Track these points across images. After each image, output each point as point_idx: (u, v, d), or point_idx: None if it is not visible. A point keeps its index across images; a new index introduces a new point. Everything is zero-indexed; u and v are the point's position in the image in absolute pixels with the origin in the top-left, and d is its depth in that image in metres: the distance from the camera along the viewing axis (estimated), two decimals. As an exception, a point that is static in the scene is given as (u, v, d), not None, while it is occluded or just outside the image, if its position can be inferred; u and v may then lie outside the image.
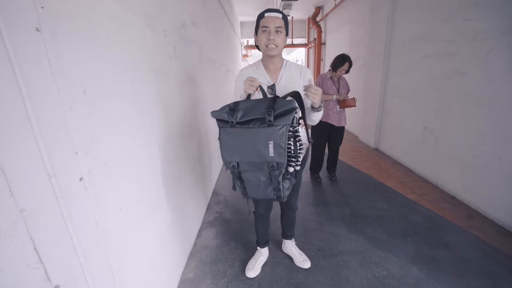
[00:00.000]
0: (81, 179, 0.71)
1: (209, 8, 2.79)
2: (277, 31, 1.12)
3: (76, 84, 0.70)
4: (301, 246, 1.74)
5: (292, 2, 5.03)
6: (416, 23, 2.97)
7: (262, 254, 1.64)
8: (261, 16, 1.15)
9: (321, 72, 7.13)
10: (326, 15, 6.45)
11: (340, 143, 2.78)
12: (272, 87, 1.19)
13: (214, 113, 1.03)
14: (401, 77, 3.33)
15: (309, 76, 1.24)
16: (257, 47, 1.25)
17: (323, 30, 7.04)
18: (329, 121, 2.59)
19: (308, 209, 2.26)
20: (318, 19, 7.12)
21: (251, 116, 0.96)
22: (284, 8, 5.23)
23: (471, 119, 2.26)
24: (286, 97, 1.05)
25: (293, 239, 1.71)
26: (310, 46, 8.17)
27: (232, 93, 1.36)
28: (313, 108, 1.18)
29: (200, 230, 2.00)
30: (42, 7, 0.60)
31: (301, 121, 1.19)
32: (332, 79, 2.59)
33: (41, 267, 0.59)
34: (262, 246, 1.64)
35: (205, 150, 2.36)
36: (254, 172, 1.04)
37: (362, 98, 4.10)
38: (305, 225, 2.03)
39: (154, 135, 1.22)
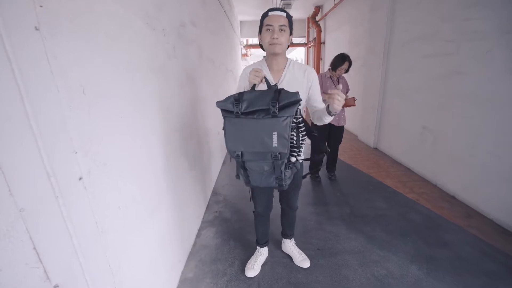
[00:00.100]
0: (80, 178, 0.71)
1: (208, 7, 2.79)
2: (281, 30, 1.13)
3: (75, 83, 0.70)
4: (300, 245, 1.75)
5: (292, 1, 5.03)
6: (415, 23, 2.97)
7: (262, 254, 1.64)
8: (265, 15, 1.15)
9: (321, 72, 7.13)
10: (326, 14, 6.45)
11: (340, 142, 2.78)
12: (273, 88, 1.18)
13: (219, 103, 1.04)
14: (401, 77, 3.34)
15: (313, 76, 1.23)
16: (261, 46, 1.25)
17: (322, 29, 7.04)
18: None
19: (307, 209, 2.27)
20: (317, 18, 7.12)
21: (255, 107, 0.98)
22: (284, 7, 5.23)
23: (470, 118, 2.27)
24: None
25: (292, 238, 1.71)
26: (309, 45, 8.17)
27: (234, 91, 1.36)
28: (329, 112, 1.13)
29: (199, 230, 2.00)
30: (41, 6, 0.59)
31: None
32: (331, 78, 2.60)
33: (40, 267, 0.59)
34: (262, 246, 1.64)
35: (205, 150, 2.36)
36: (257, 162, 1.05)
37: (361, 97, 4.10)
38: (305, 224, 2.04)
39: (153, 135, 1.22)
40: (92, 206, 0.76)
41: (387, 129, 3.71)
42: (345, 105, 2.57)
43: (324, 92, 2.58)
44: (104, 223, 0.81)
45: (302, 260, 1.62)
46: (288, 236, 1.69)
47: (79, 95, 0.71)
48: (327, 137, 2.72)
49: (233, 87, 4.74)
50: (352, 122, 4.76)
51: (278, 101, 0.95)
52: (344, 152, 3.78)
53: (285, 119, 0.95)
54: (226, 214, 2.23)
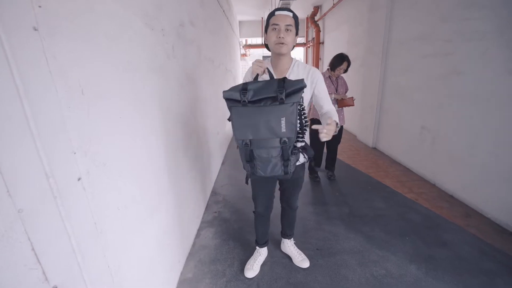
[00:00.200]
0: (79, 179, 0.71)
1: (207, 7, 2.78)
2: (287, 29, 1.13)
3: (75, 83, 0.70)
4: (300, 245, 1.75)
5: (291, 1, 5.03)
6: (414, 23, 2.98)
7: (261, 254, 1.64)
8: (271, 15, 1.16)
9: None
10: (325, 14, 6.46)
11: (339, 142, 2.79)
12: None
13: (226, 93, 1.05)
14: (399, 77, 3.34)
15: (317, 77, 1.22)
16: (266, 46, 1.25)
17: (321, 29, 7.05)
18: None
19: (306, 209, 2.27)
20: (316, 18, 7.13)
21: (262, 95, 1.00)
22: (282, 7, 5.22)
23: (469, 118, 2.27)
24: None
25: (292, 238, 1.71)
26: (308, 45, 8.18)
27: None
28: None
29: (199, 230, 2.00)
30: (40, 6, 0.59)
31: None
32: (330, 78, 2.60)
33: (39, 268, 0.58)
34: (261, 246, 1.64)
35: (204, 150, 2.35)
36: (266, 149, 1.06)
37: (360, 97, 4.11)
38: (304, 224, 2.04)
39: (153, 135, 1.22)
40: (91, 206, 0.75)
41: (386, 129, 3.72)
42: (344, 105, 2.58)
43: None
44: (103, 224, 0.81)
45: (301, 260, 1.62)
46: (287, 236, 1.69)
47: (78, 95, 0.71)
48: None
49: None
50: (351, 122, 4.77)
51: (284, 88, 0.98)
52: (343, 152, 3.79)
53: (292, 105, 0.98)
54: (226, 214, 2.22)
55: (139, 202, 1.06)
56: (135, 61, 1.06)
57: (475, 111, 2.20)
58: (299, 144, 1.10)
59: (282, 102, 0.98)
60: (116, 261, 0.88)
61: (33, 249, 0.57)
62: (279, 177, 1.16)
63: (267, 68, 1.15)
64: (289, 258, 1.68)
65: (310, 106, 1.35)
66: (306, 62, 8.70)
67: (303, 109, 1.07)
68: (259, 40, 10.20)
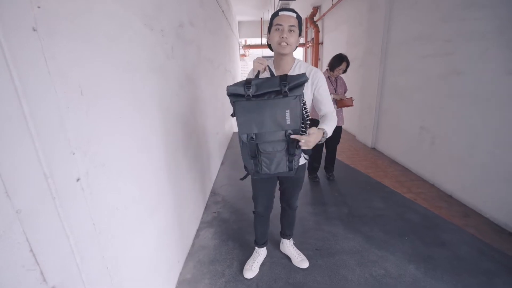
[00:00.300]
0: (78, 179, 0.71)
1: (207, 7, 2.79)
2: (291, 30, 1.13)
3: (74, 84, 0.70)
4: (299, 245, 1.75)
5: (290, 1, 5.04)
6: (413, 23, 2.99)
7: (260, 254, 1.64)
8: (275, 15, 1.16)
9: (319, 72, 7.13)
10: (324, 14, 6.47)
11: (338, 142, 2.79)
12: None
13: (230, 87, 1.06)
14: (398, 77, 3.35)
15: (319, 78, 1.21)
16: (269, 46, 1.25)
17: (320, 29, 7.06)
18: None
19: (306, 209, 2.27)
20: (315, 18, 7.14)
21: (265, 90, 1.02)
22: (281, 7, 5.23)
23: (468, 118, 2.28)
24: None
25: (291, 238, 1.71)
26: (307, 45, 8.19)
27: None
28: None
29: (198, 230, 2.00)
30: (39, 7, 0.59)
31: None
32: (329, 78, 2.60)
33: (37, 269, 0.58)
34: (261, 246, 1.64)
35: (204, 150, 2.35)
36: (271, 143, 1.07)
37: (359, 97, 4.12)
38: (303, 224, 2.04)
39: (152, 135, 1.21)
40: (89, 207, 0.75)
41: (385, 129, 3.73)
42: (343, 105, 2.59)
43: None
44: (102, 224, 0.81)
45: (300, 261, 1.62)
46: (287, 236, 1.69)
47: (77, 96, 0.71)
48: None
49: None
50: (350, 122, 4.77)
51: (287, 81, 1.00)
52: (342, 152, 3.79)
53: (295, 98, 1.01)
54: (225, 214, 2.22)
55: (138, 202, 1.06)
56: (135, 61, 1.06)
57: (474, 111, 2.21)
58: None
59: (286, 95, 1.00)
60: (115, 261, 0.88)
61: (31, 249, 0.57)
62: (283, 174, 1.17)
63: (267, 66, 1.16)
64: (288, 258, 1.68)
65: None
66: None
67: (305, 104, 1.09)
68: (258, 41, 10.20)
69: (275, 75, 1.22)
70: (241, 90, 1.03)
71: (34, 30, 0.58)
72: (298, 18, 1.16)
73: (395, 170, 3.12)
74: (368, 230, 1.96)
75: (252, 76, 1.23)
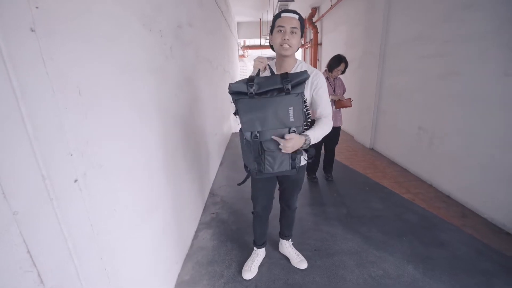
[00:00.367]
0: (76, 180, 0.70)
1: (205, 8, 2.79)
2: (293, 32, 1.14)
3: (72, 84, 0.70)
4: (297, 246, 1.75)
5: (289, 2, 5.05)
6: (411, 24, 3.01)
7: (259, 255, 1.63)
8: (277, 16, 1.17)
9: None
10: (322, 15, 6.49)
11: (336, 143, 2.79)
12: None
13: (233, 85, 1.06)
14: (397, 78, 3.37)
15: (318, 81, 1.20)
16: (271, 47, 1.26)
17: (319, 30, 7.08)
18: None
19: (304, 209, 2.27)
20: (314, 19, 7.16)
21: (267, 88, 1.03)
22: (280, 9, 5.25)
23: (465, 119, 2.29)
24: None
25: (290, 239, 1.71)
26: (306, 46, 8.20)
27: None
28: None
29: (196, 231, 2.00)
30: (37, 7, 0.59)
31: None
32: (328, 79, 2.61)
33: (34, 271, 0.58)
34: (259, 247, 1.63)
35: (203, 150, 2.35)
36: (275, 141, 1.08)
37: (358, 98, 4.13)
38: (302, 225, 2.04)
39: (151, 136, 1.21)
40: (87, 208, 0.75)
41: (384, 130, 3.74)
42: (341, 106, 2.59)
43: None
44: (100, 226, 0.81)
45: (299, 261, 1.62)
46: (286, 237, 1.69)
47: (76, 97, 0.71)
48: (324, 138, 2.72)
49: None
50: (348, 123, 4.78)
51: (289, 79, 1.01)
52: (340, 153, 3.80)
53: (297, 95, 1.03)
54: (223, 215, 2.22)
55: (136, 203, 1.06)
56: (134, 62, 1.06)
57: (472, 112, 2.22)
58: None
59: (288, 92, 1.01)
60: (113, 263, 0.88)
61: (28, 251, 0.57)
62: (285, 173, 1.17)
63: (268, 65, 1.17)
64: (287, 259, 1.68)
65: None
66: (304, 63, 8.73)
67: (305, 101, 1.10)
68: (257, 41, 10.22)
69: (275, 73, 1.22)
70: (243, 88, 1.04)
71: (32, 30, 0.58)
72: (300, 19, 1.16)
73: (393, 171, 3.13)
74: (367, 230, 1.96)
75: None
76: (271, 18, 6.63)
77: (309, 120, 1.13)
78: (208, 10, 2.96)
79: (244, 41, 11.06)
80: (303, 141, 1.07)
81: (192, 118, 2.01)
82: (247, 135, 1.08)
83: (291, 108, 1.02)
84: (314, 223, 2.08)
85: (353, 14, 4.80)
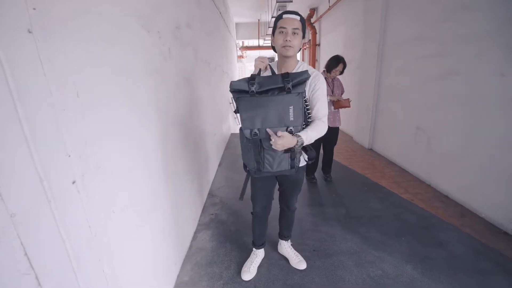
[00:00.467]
0: (73, 182, 0.70)
1: (204, 9, 2.79)
2: (294, 33, 1.15)
3: (69, 86, 0.69)
4: (296, 246, 1.75)
5: (287, 3, 5.06)
6: (408, 25, 3.02)
7: (258, 256, 1.63)
8: (279, 18, 1.17)
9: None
10: (321, 16, 6.51)
11: (335, 143, 2.80)
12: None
13: (234, 83, 1.07)
14: (395, 78, 3.38)
15: (318, 83, 1.19)
16: (273, 48, 1.27)
17: (317, 31, 7.10)
18: None
19: (303, 210, 2.27)
20: (312, 20, 7.17)
21: (268, 87, 1.04)
22: (279, 10, 5.25)
23: (462, 119, 2.30)
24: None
25: (289, 240, 1.71)
26: (305, 47, 8.22)
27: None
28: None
29: (195, 232, 1.99)
30: (34, 9, 0.59)
31: None
32: (326, 80, 2.61)
33: (32, 273, 0.58)
34: (258, 248, 1.63)
35: (201, 151, 2.35)
36: None
37: (356, 99, 4.14)
38: (301, 225, 2.04)
39: (149, 137, 1.21)
40: (85, 210, 0.75)
41: (382, 130, 3.75)
42: (340, 107, 2.60)
43: None
44: (98, 227, 0.80)
45: (298, 262, 1.62)
46: (285, 238, 1.69)
47: (73, 98, 0.71)
48: (322, 139, 2.73)
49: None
50: (347, 123, 4.79)
51: (290, 79, 1.02)
52: (339, 153, 3.81)
53: (298, 95, 1.04)
54: (222, 216, 2.22)
55: (135, 204, 1.06)
56: (132, 63, 1.05)
57: (470, 112, 2.23)
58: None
59: (289, 91, 1.02)
60: (112, 265, 0.88)
61: (26, 254, 0.56)
62: (284, 172, 1.18)
63: (269, 65, 1.19)
64: (286, 259, 1.68)
65: None
66: (303, 64, 8.74)
67: (306, 101, 1.11)
68: (256, 42, 10.24)
69: (276, 73, 1.23)
70: (245, 86, 1.05)
71: (30, 32, 0.58)
72: (302, 21, 1.17)
73: (392, 171, 3.14)
74: (366, 231, 1.96)
75: None
76: (270, 19, 6.65)
77: (309, 119, 1.14)
78: (206, 11, 2.96)
79: (243, 42, 11.07)
80: (295, 142, 1.07)
81: (191, 119, 2.00)
82: (247, 132, 1.09)
83: (292, 107, 1.03)
84: (313, 223, 2.08)
85: (351, 15, 4.82)
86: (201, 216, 2.22)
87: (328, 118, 2.59)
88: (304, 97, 1.09)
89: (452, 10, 2.37)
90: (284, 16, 1.15)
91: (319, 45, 7.17)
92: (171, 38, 1.58)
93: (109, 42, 0.89)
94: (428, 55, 2.69)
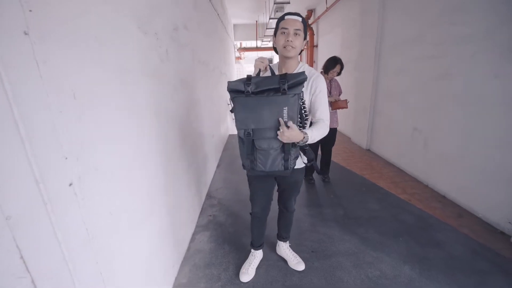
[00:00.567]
0: (70, 184, 0.70)
1: (201, 10, 2.79)
2: (296, 34, 1.15)
3: (66, 88, 0.69)
4: (295, 247, 1.75)
5: (285, 5, 5.07)
6: (405, 26, 3.04)
7: (256, 257, 1.63)
8: (281, 19, 1.18)
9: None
10: (318, 17, 6.53)
11: (333, 144, 2.81)
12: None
13: (231, 83, 1.08)
14: (392, 79, 3.40)
15: (318, 84, 1.20)
16: (274, 49, 1.28)
17: (315, 32, 7.13)
18: None
19: (301, 211, 2.27)
20: (310, 21, 7.20)
21: (264, 87, 1.05)
22: (277, 11, 5.27)
23: (458, 119, 2.32)
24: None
25: (288, 241, 1.71)
26: (303, 48, 8.24)
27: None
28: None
29: (193, 234, 1.99)
30: (30, 11, 0.59)
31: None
32: (324, 81, 2.62)
33: (27, 276, 0.57)
34: (257, 249, 1.63)
35: (199, 153, 2.34)
36: (267, 140, 1.09)
37: (354, 99, 4.16)
38: (299, 226, 2.04)
39: (146, 139, 1.21)
40: (82, 212, 0.74)
41: (380, 131, 3.76)
42: (337, 107, 2.61)
43: None
44: (95, 229, 0.80)
45: (296, 263, 1.62)
46: (283, 239, 1.69)
47: (70, 100, 0.70)
48: (320, 139, 2.74)
49: (227, 90, 4.73)
50: (344, 124, 4.81)
51: (286, 80, 1.02)
52: (337, 154, 3.82)
53: (293, 96, 1.03)
54: (221, 218, 2.21)
55: (132, 206, 1.05)
56: (128, 65, 1.05)
57: (466, 113, 2.25)
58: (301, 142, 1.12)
59: (284, 92, 1.02)
60: (109, 267, 0.87)
61: (21, 257, 0.56)
62: (278, 173, 1.18)
63: (269, 65, 1.19)
64: (285, 261, 1.67)
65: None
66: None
67: (304, 103, 1.10)
68: (254, 43, 10.26)
69: (276, 73, 1.23)
70: (241, 86, 1.06)
71: (26, 34, 0.57)
72: (304, 22, 1.18)
73: (390, 171, 3.15)
74: (364, 231, 1.97)
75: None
76: (267, 20, 6.67)
77: (306, 121, 1.14)
78: (204, 12, 2.96)
79: (241, 43, 11.09)
80: (301, 137, 1.07)
81: (189, 120, 2.00)
82: (241, 132, 1.10)
83: (286, 108, 1.03)
84: (311, 224, 2.08)
85: (348, 16, 4.84)
86: (199, 217, 2.21)
87: None
88: (302, 99, 1.09)
89: (448, 12, 2.39)
90: (286, 17, 1.16)
91: (316, 46, 7.20)
92: (169, 40, 1.58)
93: (105, 44, 0.89)
94: (425, 56, 2.71)
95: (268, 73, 1.22)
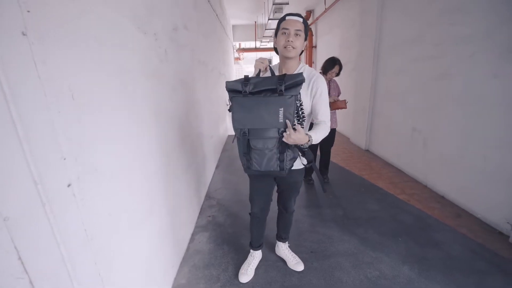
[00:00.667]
0: (69, 185, 0.70)
1: (200, 11, 2.79)
2: (297, 34, 1.16)
3: (65, 88, 0.69)
4: (294, 248, 1.75)
5: (283, 6, 5.08)
6: (404, 27, 3.05)
7: (255, 257, 1.63)
8: (282, 19, 1.19)
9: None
10: (317, 18, 6.55)
11: (332, 145, 2.81)
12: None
13: (229, 83, 1.09)
14: (391, 80, 3.40)
15: (319, 85, 1.19)
16: (275, 49, 1.28)
17: (314, 33, 7.14)
18: None
19: (300, 211, 2.27)
20: (309, 22, 7.21)
21: (262, 88, 1.05)
22: (276, 12, 5.28)
23: (457, 120, 2.33)
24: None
25: (287, 242, 1.71)
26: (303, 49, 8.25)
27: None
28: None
29: (193, 235, 1.98)
30: (29, 11, 0.58)
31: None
32: (323, 82, 2.62)
33: (26, 277, 0.57)
34: (256, 249, 1.63)
35: (198, 153, 2.34)
36: (263, 140, 1.10)
37: (353, 100, 4.17)
38: (298, 227, 2.04)
39: (146, 139, 1.21)
40: (81, 213, 0.74)
41: (378, 131, 3.77)
42: (336, 108, 2.61)
43: None
44: (94, 230, 0.80)
45: (296, 264, 1.62)
46: (282, 240, 1.69)
47: (68, 100, 0.70)
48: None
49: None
50: (344, 124, 4.82)
51: (284, 81, 1.03)
52: (336, 155, 3.82)
53: (290, 97, 1.03)
54: (220, 218, 2.21)
55: (131, 207, 1.05)
56: (127, 65, 1.05)
57: (465, 113, 2.25)
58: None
59: (281, 93, 1.03)
60: (108, 268, 0.87)
61: (20, 258, 0.56)
62: (274, 173, 1.18)
63: (269, 66, 1.20)
64: (284, 261, 1.67)
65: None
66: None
67: (301, 104, 1.11)
68: (253, 44, 10.28)
69: (275, 74, 1.23)
70: (238, 86, 1.07)
71: (24, 34, 0.57)
72: (304, 23, 1.18)
73: (388, 172, 3.15)
74: (363, 232, 1.97)
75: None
76: (266, 21, 6.67)
77: (303, 122, 1.14)
78: (203, 12, 2.97)
79: (240, 44, 11.11)
80: (306, 140, 1.08)
81: (188, 121, 2.00)
82: (237, 131, 1.12)
83: (282, 109, 1.03)
84: (311, 225, 2.08)
85: (347, 16, 4.86)
86: (198, 218, 2.21)
87: None
88: (299, 100, 1.09)
89: (447, 12, 2.40)
90: (287, 17, 1.17)
91: (315, 47, 7.21)
92: (168, 40, 1.58)
93: (105, 44, 0.89)
94: (423, 57, 2.72)
95: (268, 74, 1.23)
